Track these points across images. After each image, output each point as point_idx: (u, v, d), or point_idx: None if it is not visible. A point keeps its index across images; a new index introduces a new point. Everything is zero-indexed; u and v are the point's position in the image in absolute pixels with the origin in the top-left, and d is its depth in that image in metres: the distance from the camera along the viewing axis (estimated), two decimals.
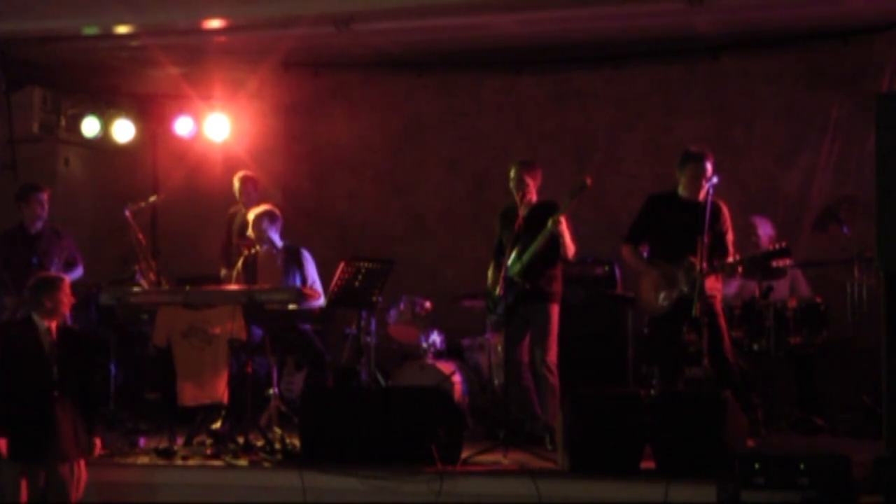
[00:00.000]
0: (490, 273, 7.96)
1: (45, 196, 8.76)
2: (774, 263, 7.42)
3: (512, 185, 7.84)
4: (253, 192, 9.27)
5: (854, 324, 8.32)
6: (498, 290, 7.67)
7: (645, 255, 7.70)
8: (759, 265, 7.66)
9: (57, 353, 6.66)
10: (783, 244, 7.41)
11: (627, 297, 8.89)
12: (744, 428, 6.92)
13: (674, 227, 7.46)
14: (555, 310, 7.75)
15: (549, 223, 7.55)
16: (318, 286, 8.46)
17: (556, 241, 7.62)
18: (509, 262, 7.69)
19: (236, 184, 9.40)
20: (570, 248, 7.67)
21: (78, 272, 8.88)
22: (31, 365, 6.62)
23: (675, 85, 10.16)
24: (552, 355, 7.68)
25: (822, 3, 8.87)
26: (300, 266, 8.46)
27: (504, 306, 7.66)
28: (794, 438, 8.02)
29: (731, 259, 7.48)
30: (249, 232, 8.52)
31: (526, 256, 7.65)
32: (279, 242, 8.45)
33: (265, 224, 8.42)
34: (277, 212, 8.58)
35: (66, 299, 6.78)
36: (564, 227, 7.59)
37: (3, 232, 8.84)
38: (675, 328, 7.58)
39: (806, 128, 9.74)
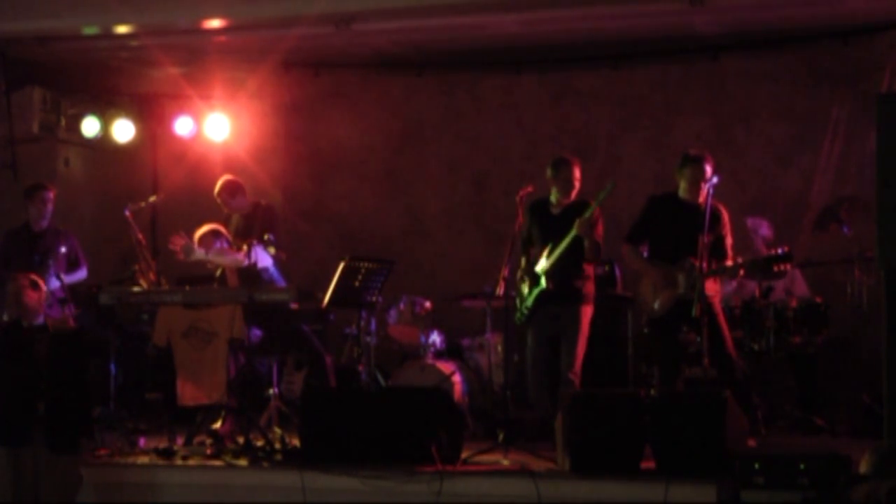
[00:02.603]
0: (523, 267, 7.81)
1: (50, 194, 8.82)
2: (776, 268, 7.42)
3: (559, 184, 7.69)
4: (230, 199, 8.92)
5: (854, 324, 8.32)
6: (498, 290, 7.63)
7: (644, 255, 7.70)
8: (760, 269, 7.67)
9: (47, 349, 6.73)
10: (785, 249, 7.41)
11: (627, 297, 8.90)
12: (744, 428, 6.92)
13: (674, 229, 7.47)
14: (587, 311, 7.69)
15: (576, 226, 7.50)
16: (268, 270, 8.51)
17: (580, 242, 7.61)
18: (542, 259, 7.64)
19: (216, 191, 9.16)
20: (594, 249, 7.67)
21: (81, 273, 8.88)
22: (18, 360, 6.75)
23: (675, 85, 10.16)
24: (578, 364, 7.62)
25: (822, 3, 8.87)
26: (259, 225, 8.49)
27: (531, 304, 7.61)
28: (794, 438, 8.02)
29: (729, 262, 7.49)
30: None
31: (555, 257, 7.59)
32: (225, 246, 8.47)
33: (209, 240, 8.40)
34: (222, 229, 8.52)
35: (21, 294, 6.86)
36: (599, 229, 7.57)
37: (9, 230, 8.87)
38: (674, 328, 7.59)
39: (806, 128, 9.74)
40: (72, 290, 8.72)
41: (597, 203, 7.53)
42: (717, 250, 7.45)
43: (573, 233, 7.52)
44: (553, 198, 7.77)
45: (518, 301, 7.80)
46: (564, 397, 7.45)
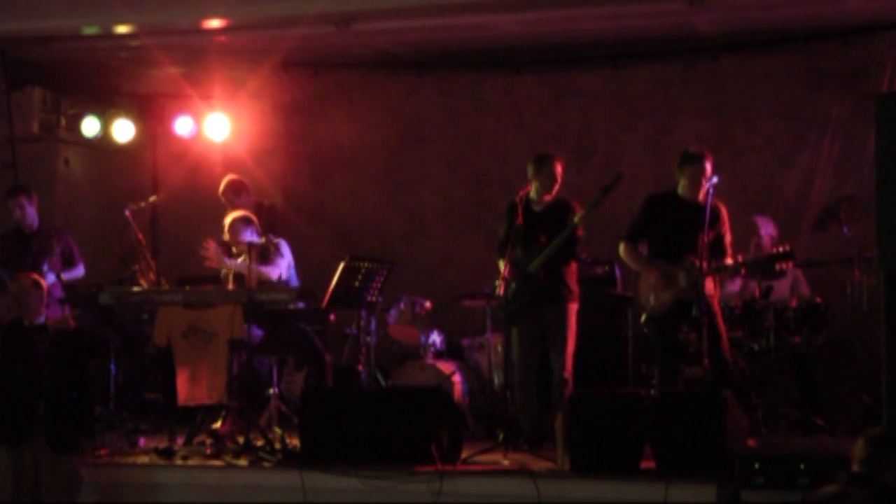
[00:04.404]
0: (502, 268, 7.71)
1: (22, 200, 8.67)
2: (778, 266, 7.43)
3: (542, 179, 7.67)
4: (235, 198, 9.03)
5: (854, 324, 8.31)
6: (498, 290, 7.60)
7: (644, 254, 7.69)
8: (762, 267, 7.66)
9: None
10: (787, 247, 7.41)
11: (627, 297, 8.88)
12: (744, 428, 6.92)
13: (673, 227, 7.46)
14: (573, 309, 7.65)
15: (577, 219, 7.49)
16: (291, 281, 8.48)
17: (572, 238, 7.60)
18: (525, 258, 7.61)
19: (221, 190, 9.23)
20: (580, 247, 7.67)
21: (77, 272, 8.84)
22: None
23: (675, 85, 10.16)
24: (570, 362, 7.58)
25: (822, 3, 8.87)
26: (267, 263, 8.44)
27: (517, 303, 7.58)
28: (794, 438, 8.02)
29: (729, 261, 7.49)
30: (225, 236, 8.46)
31: (545, 254, 7.54)
32: (256, 241, 8.41)
33: (239, 226, 8.41)
34: (252, 216, 8.54)
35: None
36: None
37: (2, 232, 8.84)
38: (674, 328, 7.57)
39: (806, 128, 9.73)
40: (72, 289, 8.71)
41: (597, 200, 7.50)
42: (717, 249, 7.45)
43: (567, 233, 7.50)
44: (534, 195, 7.75)
45: (503, 302, 7.69)
46: (560, 397, 7.47)
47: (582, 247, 7.66)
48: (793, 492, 5.95)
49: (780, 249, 7.41)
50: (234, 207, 8.91)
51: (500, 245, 7.79)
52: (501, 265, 7.73)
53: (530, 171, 7.77)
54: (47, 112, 10.32)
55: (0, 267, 8.44)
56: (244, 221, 8.46)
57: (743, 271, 7.69)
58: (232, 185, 9.07)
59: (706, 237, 7.22)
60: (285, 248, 8.61)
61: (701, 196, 7.40)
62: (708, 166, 7.43)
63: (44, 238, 8.71)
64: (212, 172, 10.47)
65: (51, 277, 8.35)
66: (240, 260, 8.29)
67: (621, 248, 7.67)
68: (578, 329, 7.84)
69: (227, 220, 8.48)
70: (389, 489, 6.67)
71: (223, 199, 9.14)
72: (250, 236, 8.37)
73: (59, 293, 8.44)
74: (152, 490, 7.17)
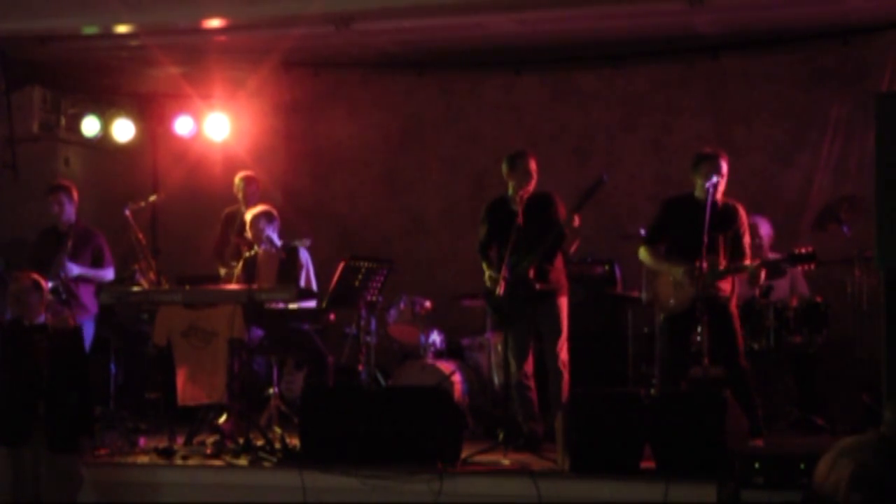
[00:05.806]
0: (487, 271, 7.80)
1: (62, 197, 8.62)
2: (801, 267, 7.42)
3: (517, 177, 7.66)
4: (255, 192, 9.27)
5: (854, 324, 8.32)
6: (499, 290, 7.58)
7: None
8: (780, 269, 7.65)
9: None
10: (810, 249, 7.37)
11: (627, 296, 8.89)
12: (744, 428, 6.92)
13: (691, 229, 7.38)
14: (563, 303, 7.65)
15: (564, 221, 7.46)
16: (313, 287, 8.50)
17: (557, 236, 7.58)
18: (513, 259, 7.60)
19: (239, 184, 9.36)
20: (574, 244, 7.65)
21: (104, 273, 8.61)
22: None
23: (675, 85, 10.16)
24: (565, 352, 7.59)
25: (822, 3, 8.87)
26: (296, 267, 8.48)
27: (508, 304, 7.56)
28: (794, 438, 8.02)
29: (748, 262, 7.45)
30: (247, 232, 8.53)
31: (532, 257, 7.49)
32: (277, 242, 8.45)
33: (262, 224, 8.45)
34: (275, 212, 8.60)
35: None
36: (576, 225, 7.50)
37: (43, 229, 8.79)
38: (688, 328, 7.53)
39: (806, 128, 9.73)
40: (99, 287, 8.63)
41: (582, 202, 7.47)
42: (735, 248, 7.43)
43: (551, 237, 7.48)
44: (511, 193, 7.72)
45: (493, 304, 7.71)
46: (558, 391, 7.47)
47: (570, 241, 7.60)
48: (793, 492, 5.95)
49: (804, 250, 7.37)
50: (251, 200, 9.00)
51: (482, 247, 7.84)
52: (485, 267, 7.74)
53: (505, 170, 7.76)
54: (47, 112, 10.31)
55: (33, 263, 8.37)
56: (267, 217, 8.50)
57: (763, 272, 7.65)
58: (253, 179, 9.26)
59: (705, 237, 7.19)
60: (304, 256, 8.63)
61: (718, 195, 7.39)
62: (724, 165, 7.41)
63: (75, 237, 8.66)
64: (212, 172, 10.48)
65: (74, 269, 8.32)
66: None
67: (641, 252, 7.65)
68: (579, 329, 7.84)
69: (249, 216, 8.54)
70: (389, 489, 6.68)
71: (241, 194, 9.23)
72: (272, 232, 8.40)
73: (63, 293, 8.38)
74: (152, 490, 7.17)
